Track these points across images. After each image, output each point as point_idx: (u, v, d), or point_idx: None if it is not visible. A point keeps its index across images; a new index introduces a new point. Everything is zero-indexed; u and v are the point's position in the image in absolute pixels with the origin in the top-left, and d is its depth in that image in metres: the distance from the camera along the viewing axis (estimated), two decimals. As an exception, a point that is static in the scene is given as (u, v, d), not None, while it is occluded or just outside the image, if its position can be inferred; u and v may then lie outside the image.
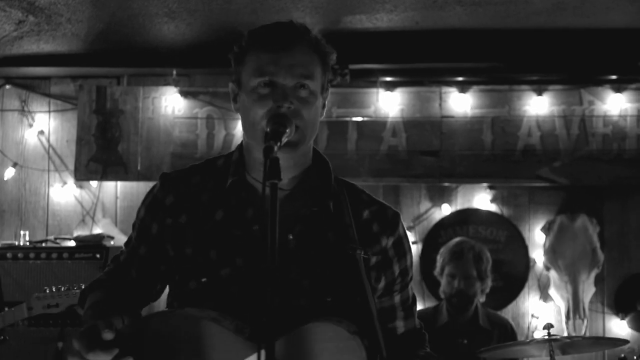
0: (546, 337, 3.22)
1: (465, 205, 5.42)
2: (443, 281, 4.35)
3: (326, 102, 2.02)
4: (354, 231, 1.93)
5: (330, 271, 1.89)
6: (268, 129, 1.79)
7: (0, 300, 3.61)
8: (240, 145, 2.03)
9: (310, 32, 1.95)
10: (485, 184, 5.34)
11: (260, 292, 1.59)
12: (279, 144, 1.73)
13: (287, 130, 1.80)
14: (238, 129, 5.16)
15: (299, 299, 1.86)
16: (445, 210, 5.39)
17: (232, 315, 1.81)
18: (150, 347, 1.78)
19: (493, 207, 5.40)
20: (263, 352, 1.54)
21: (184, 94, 5.32)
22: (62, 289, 3.35)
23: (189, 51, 5.20)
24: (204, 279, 1.89)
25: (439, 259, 4.39)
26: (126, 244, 2.10)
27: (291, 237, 1.90)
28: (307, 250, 1.90)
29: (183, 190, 1.99)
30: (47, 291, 3.35)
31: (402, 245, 2.02)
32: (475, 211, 5.39)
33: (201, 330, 1.77)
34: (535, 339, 3.39)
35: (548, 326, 3.22)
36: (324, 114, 2.02)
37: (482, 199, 5.41)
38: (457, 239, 4.47)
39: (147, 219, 2.02)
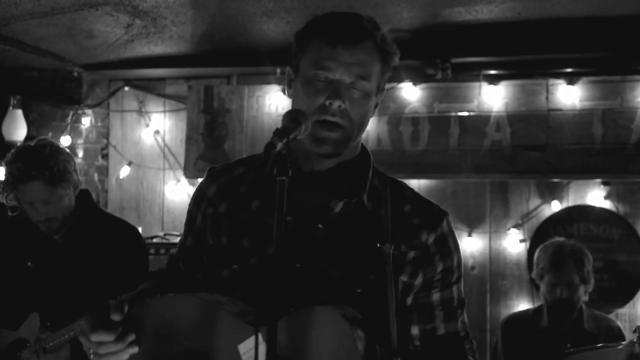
0: (635, 341, 3.01)
1: (577, 202, 5.19)
2: (543, 288, 4.06)
3: (379, 102, 1.98)
4: (388, 224, 1.89)
5: (360, 263, 1.87)
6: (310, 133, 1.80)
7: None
8: None
9: (378, 29, 1.89)
10: (598, 180, 5.09)
11: (267, 280, 1.59)
12: (285, 139, 1.67)
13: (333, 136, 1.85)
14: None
15: (328, 289, 1.84)
16: (555, 207, 5.19)
17: (244, 301, 1.82)
18: (152, 329, 1.83)
19: (607, 204, 5.14)
20: (262, 335, 1.60)
21: (287, 92, 5.36)
22: None
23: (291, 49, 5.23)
24: (235, 266, 1.91)
25: (537, 263, 4.10)
26: (179, 241, 2.16)
27: (321, 226, 1.88)
28: (337, 240, 1.88)
29: (225, 181, 2.02)
30: None
31: (446, 244, 1.95)
32: (587, 208, 5.16)
33: (202, 314, 1.79)
34: (621, 343, 3.18)
35: (637, 329, 3.01)
36: (376, 112, 1.98)
37: (595, 196, 5.16)
38: (554, 242, 4.14)
39: (194, 211, 2.06)
